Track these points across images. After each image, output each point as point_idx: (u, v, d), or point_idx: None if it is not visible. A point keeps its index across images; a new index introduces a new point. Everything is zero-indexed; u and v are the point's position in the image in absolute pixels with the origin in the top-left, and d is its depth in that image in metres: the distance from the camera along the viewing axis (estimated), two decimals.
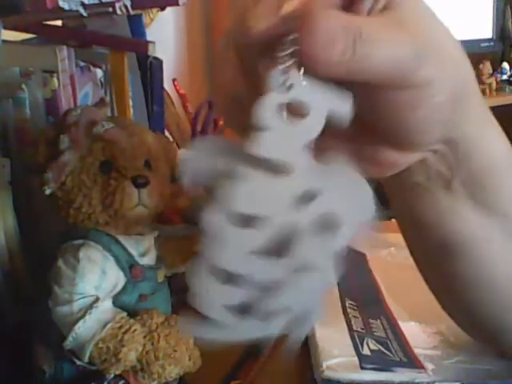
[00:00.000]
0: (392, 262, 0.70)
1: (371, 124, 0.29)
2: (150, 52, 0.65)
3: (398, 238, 0.76)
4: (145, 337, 0.46)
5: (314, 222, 0.24)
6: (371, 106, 0.28)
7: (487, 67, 2.34)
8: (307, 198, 0.24)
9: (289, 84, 0.24)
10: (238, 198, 0.24)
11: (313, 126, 0.24)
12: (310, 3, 0.25)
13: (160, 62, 0.74)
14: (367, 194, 0.25)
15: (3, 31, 0.49)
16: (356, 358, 0.46)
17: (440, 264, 0.38)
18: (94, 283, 0.46)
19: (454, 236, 0.35)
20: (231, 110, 0.30)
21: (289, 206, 0.24)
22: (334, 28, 0.24)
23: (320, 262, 0.25)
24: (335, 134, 0.29)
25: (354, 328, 0.52)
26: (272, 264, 0.25)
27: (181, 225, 0.61)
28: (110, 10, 0.58)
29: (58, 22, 0.70)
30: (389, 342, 0.50)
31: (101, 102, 0.55)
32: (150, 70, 0.73)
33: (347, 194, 0.25)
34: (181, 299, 0.65)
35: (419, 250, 0.41)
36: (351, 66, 0.25)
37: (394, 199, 0.37)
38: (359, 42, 0.24)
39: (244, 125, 0.25)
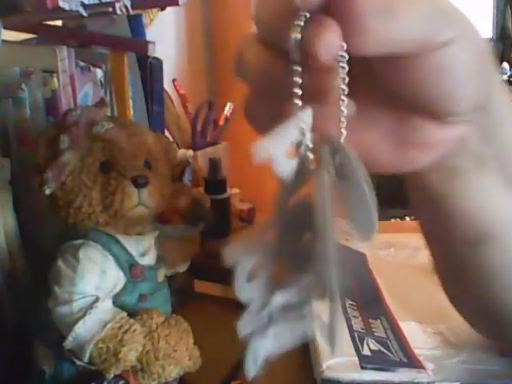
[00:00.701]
0: (392, 263, 0.70)
1: (407, 101, 0.28)
2: (150, 52, 0.65)
3: (397, 238, 0.76)
4: (145, 337, 0.46)
5: None
6: (401, 81, 0.27)
7: None
8: None
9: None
10: None
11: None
12: None
13: (160, 62, 0.74)
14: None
15: (3, 31, 0.49)
16: (356, 358, 0.46)
17: (466, 257, 0.37)
18: (94, 283, 0.46)
19: (487, 220, 0.35)
20: (258, 102, 0.29)
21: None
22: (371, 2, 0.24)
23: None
24: (374, 127, 0.29)
25: (354, 328, 0.52)
26: None
27: (181, 225, 0.61)
28: (110, 9, 0.58)
29: (58, 22, 0.70)
30: (389, 342, 0.50)
31: (101, 102, 0.55)
32: (150, 69, 0.73)
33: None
34: (181, 299, 0.65)
35: (444, 247, 0.40)
36: (385, 38, 0.25)
37: (424, 196, 0.37)
38: (392, 14, 0.24)
39: (269, 120, 0.25)
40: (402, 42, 0.25)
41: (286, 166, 0.25)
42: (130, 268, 0.49)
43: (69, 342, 0.44)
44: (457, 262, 0.39)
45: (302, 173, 0.25)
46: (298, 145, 0.25)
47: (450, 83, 0.28)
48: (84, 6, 0.53)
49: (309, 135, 0.24)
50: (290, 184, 0.25)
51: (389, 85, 0.28)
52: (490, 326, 0.43)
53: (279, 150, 0.24)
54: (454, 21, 0.27)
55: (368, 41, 0.24)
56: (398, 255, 0.72)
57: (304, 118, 0.24)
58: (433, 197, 0.35)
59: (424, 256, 0.70)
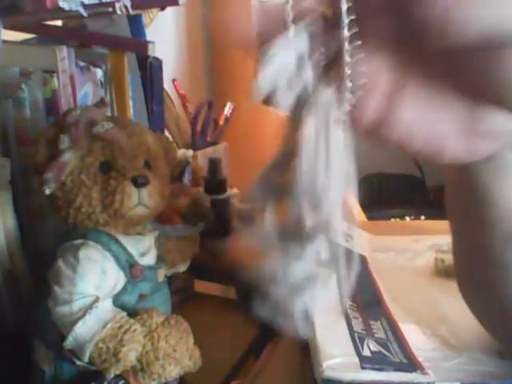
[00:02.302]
0: (392, 266, 0.70)
1: (479, 89, 0.28)
2: (150, 52, 0.65)
3: (396, 241, 0.76)
4: (145, 337, 0.46)
5: None
6: (479, 69, 0.27)
7: None
8: None
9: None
10: None
11: None
12: None
13: (160, 62, 0.74)
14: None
15: (3, 31, 0.49)
16: (356, 359, 0.46)
17: (499, 253, 0.37)
18: (94, 283, 0.46)
19: None
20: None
21: None
22: None
23: None
24: (446, 117, 0.29)
25: (355, 329, 0.52)
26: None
27: (181, 225, 0.61)
28: (110, 9, 0.58)
29: (58, 22, 0.70)
30: (389, 343, 0.50)
31: (101, 102, 0.55)
32: (150, 70, 0.73)
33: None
34: (181, 299, 0.65)
35: (478, 242, 0.40)
36: (483, 22, 0.23)
37: (468, 188, 0.36)
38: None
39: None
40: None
41: (287, 98, 0.24)
42: (130, 268, 0.49)
43: (69, 342, 0.44)
44: (488, 263, 0.39)
45: (303, 104, 0.24)
46: (299, 71, 0.24)
47: None
48: (84, 5, 0.53)
49: (308, 62, 0.24)
50: (294, 117, 0.25)
51: (466, 76, 0.27)
52: (508, 330, 0.43)
53: (279, 80, 0.24)
54: None
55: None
56: (398, 259, 0.72)
57: (301, 41, 0.24)
58: (482, 190, 0.35)
59: (424, 259, 0.70)
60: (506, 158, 0.33)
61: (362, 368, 0.45)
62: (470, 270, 0.43)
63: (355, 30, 0.24)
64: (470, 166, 0.34)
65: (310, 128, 0.24)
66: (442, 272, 0.66)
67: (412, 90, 0.29)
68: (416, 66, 0.28)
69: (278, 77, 0.24)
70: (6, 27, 0.53)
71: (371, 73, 0.28)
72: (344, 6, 0.24)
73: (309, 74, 0.24)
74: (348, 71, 0.25)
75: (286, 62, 0.24)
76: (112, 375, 0.46)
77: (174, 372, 0.47)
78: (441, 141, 0.29)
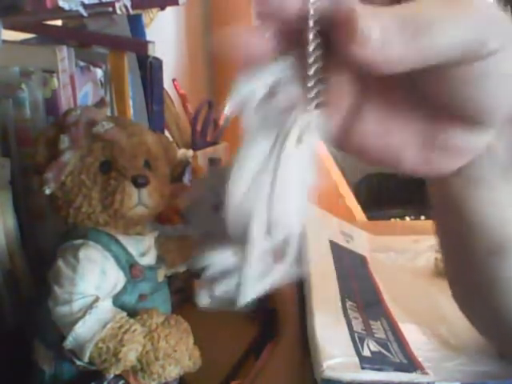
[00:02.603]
0: (392, 266, 0.70)
1: (443, 107, 0.28)
2: (150, 52, 0.65)
3: (396, 241, 0.76)
4: (145, 337, 0.46)
5: None
6: (437, 86, 0.27)
7: None
8: None
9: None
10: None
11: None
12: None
13: (160, 62, 0.74)
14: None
15: (3, 31, 0.49)
16: (356, 359, 0.46)
17: (483, 267, 0.37)
18: (94, 283, 0.46)
19: (508, 232, 0.35)
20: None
21: None
22: (388, 27, 0.23)
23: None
24: (405, 129, 0.29)
25: (355, 329, 0.52)
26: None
27: (181, 225, 0.61)
28: (110, 9, 0.58)
29: (58, 22, 0.70)
30: (389, 343, 0.50)
31: (101, 102, 0.55)
32: (150, 70, 0.73)
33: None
34: (181, 299, 0.65)
35: (462, 257, 0.39)
36: (414, 57, 0.24)
37: (446, 203, 0.36)
38: (420, 32, 0.24)
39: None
40: (440, 54, 0.25)
41: (252, 121, 0.25)
42: (130, 268, 0.49)
43: (69, 342, 0.44)
44: (472, 273, 0.39)
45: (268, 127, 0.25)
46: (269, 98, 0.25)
47: (489, 90, 0.27)
48: (84, 5, 0.53)
49: (284, 88, 0.25)
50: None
51: (426, 92, 0.28)
52: (499, 332, 0.43)
53: (246, 104, 0.24)
54: (500, 29, 0.26)
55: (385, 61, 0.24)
56: (398, 259, 0.72)
57: (282, 68, 0.25)
58: (455, 204, 0.35)
59: (424, 260, 0.70)
60: (475, 174, 0.33)
61: (362, 368, 0.45)
62: (457, 276, 0.43)
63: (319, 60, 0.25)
64: (442, 180, 0.34)
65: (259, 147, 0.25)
66: (442, 272, 0.66)
67: (372, 104, 0.29)
68: (377, 88, 0.29)
69: (245, 102, 0.24)
70: (6, 27, 0.52)
71: (334, 90, 0.28)
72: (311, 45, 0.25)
73: (281, 100, 0.25)
74: (313, 87, 0.26)
75: (256, 88, 0.25)
76: (112, 375, 0.46)
77: (173, 372, 0.47)
78: (399, 152, 0.30)
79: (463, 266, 0.40)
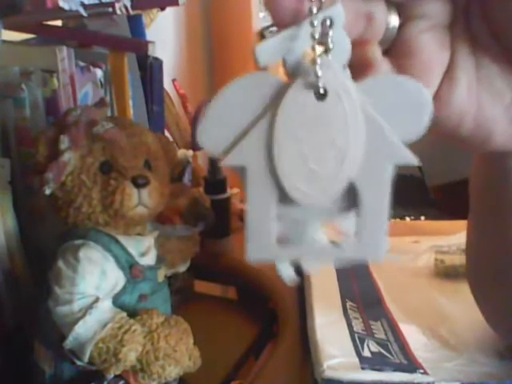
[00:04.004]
0: (392, 266, 0.70)
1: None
2: (150, 52, 0.65)
3: (396, 242, 0.76)
4: (145, 337, 0.46)
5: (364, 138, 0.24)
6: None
7: None
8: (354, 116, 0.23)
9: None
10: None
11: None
12: None
13: (160, 62, 0.74)
14: (423, 102, 0.24)
15: (3, 31, 0.49)
16: (356, 359, 0.46)
17: None
18: (94, 283, 0.46)
19: None
20: None
21: (338, 127, 0.24)
22: None
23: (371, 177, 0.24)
24: (497, 101, 0.29)
25: (355, 329, 0.52)
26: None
27: (181, 225, 0.61)
28: (110, 9, 0.58)
29: (58, 22, 0.70)
30: (389, 343, 0.50)
31: (101, 102, 0.55)
32: (150, 69, 0.73)
33: (399, 106, 0.24)
34: (181, 299, 0.65)
35: (504, 237, 0.40)
36: None
37: (505, 178, 0.37)
38: None
39: None
40: None
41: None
42: (130, 268, 0.49)
43: (69, 342, 0.44)
44: (506, 248, 0.39)
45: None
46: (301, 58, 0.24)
47: None
48: (84, 5, 0.53)
49: (318, 48, 0.23)
50: None
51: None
52: None
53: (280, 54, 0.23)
54: None
55: None
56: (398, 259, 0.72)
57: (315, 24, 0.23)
58: (509, 179, 0.35)
59: (424, 260, 0.70)
60: None
61: (362, 368, 0.45)
62: (484, 261, 0.43)
63: None
64: (508, 156, 0.34)
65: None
66: (441, 273, 0.66)
67: (466, 68, 0.29)
68: (481, 44, 0.28)
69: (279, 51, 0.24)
70: (6, 27, 0.52)
71: (433, 48, 0.28)
72: None
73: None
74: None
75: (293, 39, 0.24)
76: (112, 375, 0.46)
77: (173, 372, 0.47)
78: (491, 125, 0.29)
79: (501, 248, 0.40)
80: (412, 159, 0.24)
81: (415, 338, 0.52)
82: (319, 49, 0.23)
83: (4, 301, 0.54)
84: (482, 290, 0.45)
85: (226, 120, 0.25)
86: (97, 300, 0.45)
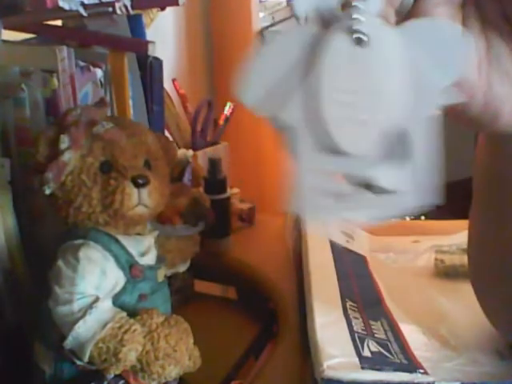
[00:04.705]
0: (392, 266, 0.70)
1: None
2: (150, 52, 0.65)
3: (396, 242, 0.76)
4: (145, 337, 0.46)
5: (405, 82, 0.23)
6: None
7: None
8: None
9: None
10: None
11: None
12: None
13: (160, 61, 0.74)
14: (462, 42, 0.24)
15: (3, 31, 0.49)
16: (356, 359, 0.46)
17: None
18: (94, 283, 0.46)
19: None
20: None
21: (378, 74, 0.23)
22: None
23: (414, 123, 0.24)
24: (507, 80, 0.29)
25: (355, 329, 0.52)
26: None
27: (181, 225, 0.61)
28: (110, 9, 0.58)
29: (58, 22, 0.70)
30: (389, 343, 0.50)
31: (101, 102, 0.55)
32: (150, 69, 0.73)
33: (439, 48, 0.24)
34: (181, 299, 0.65)
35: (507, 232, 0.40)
36: None
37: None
38: None
39: None
40: None
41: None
42: (130, 268, 0.49)
43: (69, 342, 0.44)
44: (509, 242, 0.39)
45: None
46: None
47: None
48: (84, 5, 0.53)
49: None
50: None
51: None
52: None
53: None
54: None
55: None
56: (398, 260, 0.72)
57: None
58: None
59: (424, 260, 0.70)
60: None
61: (362, 368, 0.45)
62: (487, 258, 0.43)
63: None
64: None
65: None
66: (441, 273, 0.66)
67: (476, 47, 0.29)
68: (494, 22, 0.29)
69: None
70: (6, 27, 0.52)
71: None
72: None
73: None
74: None
75: None
76: (112, 375, 0.46)
77: (173, 372, 0.47)
78: (499, 104, 0.30)
79: (505, 245, 0.40)
80: (455, 98, 0.24)
81: (415, 337, 0.52)
82: None
83: (4, 301, 0.54)
84: (483, 286, 0.45)
85: (269, 75, 0.24)
86: (97, 300, 0.45)
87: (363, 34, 0.23)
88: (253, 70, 0.25)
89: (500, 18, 0.28)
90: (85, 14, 0.54)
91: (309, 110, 0.24)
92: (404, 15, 0.28)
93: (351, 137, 0.24)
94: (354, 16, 0.23)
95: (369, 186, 0.25)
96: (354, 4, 0.23)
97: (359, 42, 0.23)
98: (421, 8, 0.28)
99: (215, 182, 0.77)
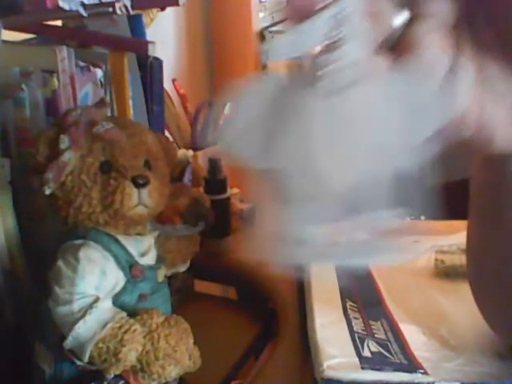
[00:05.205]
0: (392, 266, 0.70)
1: None
2: (150, 52, 0.65)
3: (396, 242, 0.76)
4: (145, 337, 0.46)
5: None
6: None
7: None
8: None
9: None
10: None
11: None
12: None
13: (160, 61, 0.74)
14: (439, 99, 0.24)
15: (3, 31, 0.49)
16: (356, 359, 0.46)
17: None
18: (94, 283, 0.46)
19: None
20: None
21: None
22: None
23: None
24: (500, 103, 0.29)
25: (355, 329, 0.52)
26: None
27: (181, 225, 0.61)
28: (110, 9, 0.58)
29: (58, 22, 0.70)
30: (389, 343, 0.50)
31: (101, 102, 0.55)
32: (150, 69, 0.73)
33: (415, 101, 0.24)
34: (181, 299, 0.65)
35: (499, 239, 0.40)
36: None
37: (502, 188, 0.37)
38: None
39: None
40: None
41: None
42: (130, 268, 0.49)
43: (69, 342, 0.44)
44: (505, 250, 0.39)
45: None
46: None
47: None
48: (84, 5, 0.53)
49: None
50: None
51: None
52: None
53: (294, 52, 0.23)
54: None
55: None
56: None
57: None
58: (510, 181, 0.36)
59: (424, 260, 0.70)
60: None
61: (362, 368, 0.45)
62: (485, 263, 0.43)
63: None
64: (509, 159, 0.34)
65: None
66: (441, 273, 0.66)
67: (468, 70, 0.29)
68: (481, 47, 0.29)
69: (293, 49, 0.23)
70: (6, 27, 0.52)
71: (438, 48, 0.28)
72: None
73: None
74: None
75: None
76: (112, 375, 0.45)
77: (173, 372, 0.47)
78: (492, 127, 0.29)
79: (498, 250, 0.40)
80: (429, 152, 0.24)
81: (415, 337, 0.52)
82: (334, 43, 0.23)
83: (4, 301, 0.54)
84: (482, 290, 0.45)
85: (250, 124, 0.25)
86: (97, 300, 0.45)
87: (335, 85, 0.23)
88: (231, 117, 0.25)
89: (492, 40, 0.28)
90: (85, 14, 0.54)
91: (296, 156, 0.24)
92: (394, 41, 0.28)
93: (338, 179, 0.24)
94: (329, 67, 0.23)
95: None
96: (326, 55, 0.23)
97: (330, 93, 0.23)
98: (411, 36, 0.27)
99: (215, 182, 0.77)
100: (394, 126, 0.24)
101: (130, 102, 0.70)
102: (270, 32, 1.32)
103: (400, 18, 0.27)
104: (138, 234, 0.51)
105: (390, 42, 0.28)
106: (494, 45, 0.28)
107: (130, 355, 0.44)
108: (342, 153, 0.23)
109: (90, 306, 0.45)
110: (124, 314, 0.46)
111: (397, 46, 0.28)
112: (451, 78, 0.28)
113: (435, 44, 0.28)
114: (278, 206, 0.25)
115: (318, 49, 0.23)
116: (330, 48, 0.23)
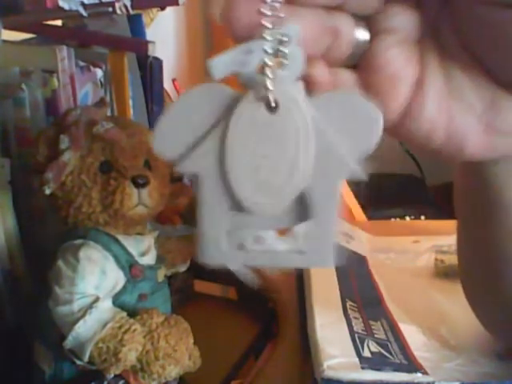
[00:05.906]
0: (392, 266, 0.70)
1: (504, 79, 0.28)
2: (150, 52, 0.65)
3: (396, 242, 0.76)
4: (145, 337, 0.46)
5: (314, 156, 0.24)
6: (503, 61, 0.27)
7: None
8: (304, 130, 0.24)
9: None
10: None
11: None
12: None
13: (160, 62, 0.74)
14: (372, 119, 0.25)
15: (3, 31, 0.49)
16: (356, 359, 0.46)
17: (505, 249, 0.38)
18: (94, 283, 0.46)
19: None
20: None
21: (286, 142, 0.24)
22: None
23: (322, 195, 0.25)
24: (468, 112, 0.29)
25: (355, 329, 0.52)
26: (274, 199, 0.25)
27: (181, 225, 0.61)
28: (110, 9, 0.58)
29: (58, 22, 0.70)
30: (389, 343, 0.50)
31: (101, 102, 0.55)
32: (150, 69, 0.73)
33: (349, 122, 0.24)
34: (181, 299, 0.65)
35: (484, 241, 0.40)
36: None
37: (478, 183, 0.37)
38: None
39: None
40: None
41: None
42: (130, 268, 0.49)
43: (69, 342, 0.44)
44: (490, 253, 0.39)
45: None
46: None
47: None
48: (84, 5, 0.53)
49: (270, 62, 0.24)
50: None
51: (490, 65, 0.28)
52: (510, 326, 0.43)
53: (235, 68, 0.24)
54: None
55: None
56: (397, 260, 0.72)
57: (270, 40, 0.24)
58: (491, 187, 0.36)
59: (424, 260, 0.70)
60: None
61: (362, 368, 0.45)
62: (474, 265, 0.43)
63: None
64: (486, 163, 0.34)
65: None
66: (441, 273, 0.66)
67: (435, 81, 0.29)
68: (437, 62, 0.29)
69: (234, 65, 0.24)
70: (6, 27, 0.52)
71: (401, 63, 0.28)
72: None
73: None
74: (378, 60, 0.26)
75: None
76: (112, 375, 0.46)
77: (173, 372, 0.47)
78: (463, 137, 0.29)
79: (483, 252, 0.40)
80: (360, 175, 0.25)
81: (415, 337, 0.52)
82: (272, 64, 0.24)
83: (4, 301, 0.54)
84: (474, 295, 0.45)
85: (181, 128, 0.25)
86: (97, 300, 0.45)
87: (273, 101, 0.24)
88: (166, 121, 0.26)
89: (459, 50, 0.28)
90: (85, 14, 0.54)
91: (215, 164, 0.24)
92: (357, 59, 0.28)
93: (252, 196, 0.25)
94: (268, 82, 0.23)
95: (268, 242, 0.26)
96: (270, 70, 0.24)
97: (269, 108, 0.24)
98: (374, 51, 0.27)
99: None
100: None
101: (130, 102, 0.70)
102: None
103: (363, 34, 0.27)
104: (138, 234, 0.51)
105: (353, 58, 0.28)
106: (461, 53, 0.28)
107: (130, 355, 0.44)
108: (259, 165, 0.24)
109: (90, 306, 0.45)
110: (124, 314, 0.46)
111: (360, 61, 0.28)
112: (418, 89, 0.28)
113: (399, 58, 0.28)
114: (198, 209, 0.25)
115: (257, 67, 0.24)
116: (269, 66, 0.24)
